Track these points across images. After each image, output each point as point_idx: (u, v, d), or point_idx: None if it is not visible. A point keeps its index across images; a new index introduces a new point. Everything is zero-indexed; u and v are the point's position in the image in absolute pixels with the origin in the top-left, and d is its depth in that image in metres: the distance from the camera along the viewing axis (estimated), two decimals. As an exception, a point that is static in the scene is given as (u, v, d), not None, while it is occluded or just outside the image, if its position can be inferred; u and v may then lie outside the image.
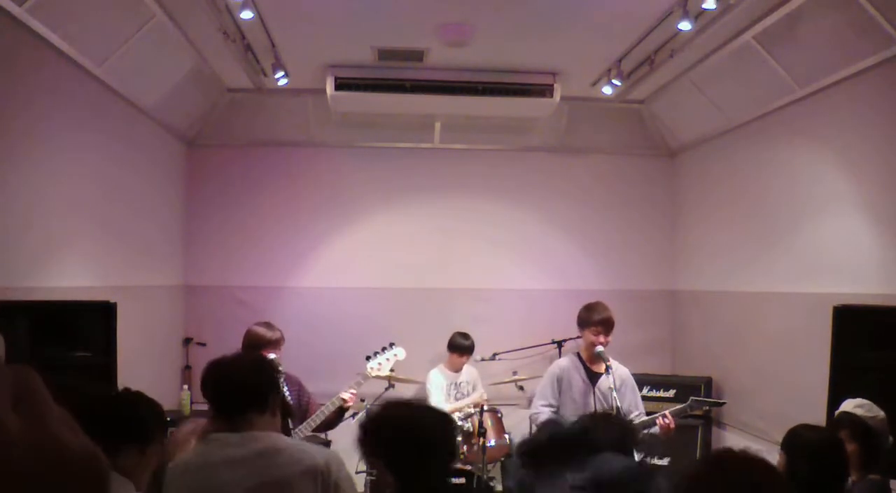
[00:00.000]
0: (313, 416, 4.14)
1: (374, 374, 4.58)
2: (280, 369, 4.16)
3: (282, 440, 2.25)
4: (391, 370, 5.46)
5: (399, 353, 4.73)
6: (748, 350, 5.17)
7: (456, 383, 5.76)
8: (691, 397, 4.18)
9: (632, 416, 3.95)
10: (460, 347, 5.74)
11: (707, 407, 5.02)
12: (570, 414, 4.13)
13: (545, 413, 4.17)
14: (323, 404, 4.22)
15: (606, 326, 4.12)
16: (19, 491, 0.60)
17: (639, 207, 6.56)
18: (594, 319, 4.13)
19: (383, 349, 4.72)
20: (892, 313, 3.41)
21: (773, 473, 1.61)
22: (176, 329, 6.00)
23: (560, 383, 4.20)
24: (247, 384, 2.26)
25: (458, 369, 5.79)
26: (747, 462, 1.60)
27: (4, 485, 0.59)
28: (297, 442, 2.34)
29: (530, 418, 4.37)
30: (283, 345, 4.20)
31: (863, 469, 2.64)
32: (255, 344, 4.09)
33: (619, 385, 3.99)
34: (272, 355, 4.12)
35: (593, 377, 4.16)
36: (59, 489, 0.62)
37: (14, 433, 0.61)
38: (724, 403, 4.78)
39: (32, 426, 0.62)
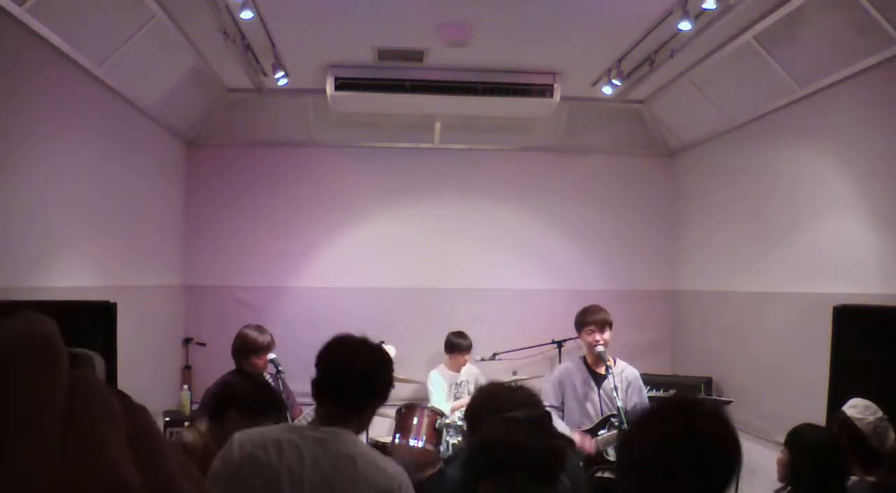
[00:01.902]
0: (295, 421, 3.92)
1: None
2: (280, 368, 4.16)
3: (359, 446, 2.08)
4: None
5: (390, 351, 4.72)
6: (748, 350, 5.17)
7: (457, 383, 5.76)
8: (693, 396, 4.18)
9: None
10: (457, 346, 5.73)
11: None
12: (576, 416, 4.16)
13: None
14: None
15: (600, 325, 4.13)
16: None
17: (639, 207, 6.56)
18: (588, 319, 4.16)
19: None
20: (892, 313, 3.40)
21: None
22: (176, 329, 6.00)
23: (563, 387, 4.23)
24: (363, 379, 2.07)
25: (458, 369, 5.79)
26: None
27: None
28: (372, 454, 2.11)
29: None
30: (273, 349, 4.14)
31: (861, 470, 2.63)
32: (246, 347, 4.03)
33: (625, 387, 4.00)
34: (272, 355, 4.11)
35: (597, 379, 4.17)
36: None
37: (132, 479, 0.51)
38: (730, 401, 4.78)
39: (150, 472, 0.52)
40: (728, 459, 1.43)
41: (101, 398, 0.55)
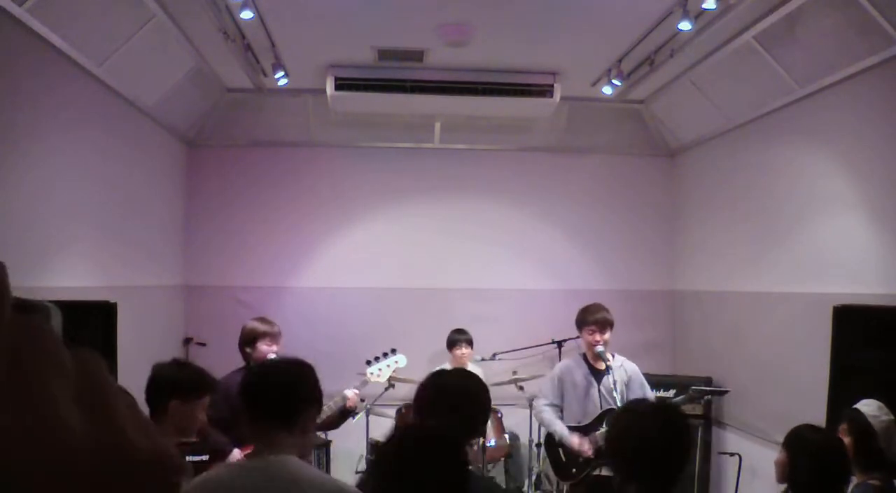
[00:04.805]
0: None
1: (372, 380, 4.60)
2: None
3: (302, 469, 1.95)
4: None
5: (400, 360, 4.74)
6: (748, 350, 5.17)
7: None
8: (691, 387, 4.23)
9: None
10: (457, 341, 5.70)
11: (709, 397, 5.04)
12: (576, 412, 4.20)
13: (547, 411, 4.34)
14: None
15: (601, 325, 4.18)
16: None
17: (639, 207, 6.56)
18: (589, 319, 4.21)
19: (384, 355, 4.72)
20: (892, 313, 3.40)
21: None
22: (176, 329, 6.00)
23: (562, 384, 4.28)
24: (273, 392, 2.00)
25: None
26: None
27: (67, 491, 0.49)
28: (317, 476, 2.01)
29: (534, 415, 4.62)
30: (280, 340, 4.14)
31: (864, 471, 2.63)
32: (253, 334, 4.06)
33: (627, 381, 4.06)
34: (272, 354, 4.12)
35: (598, 375, 4.21)
36: None
37: (77, 434, 0.50)
38: (727, 391, 4.81)
39: (97, 426, 0.52)
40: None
41: (49, 350, 0.54)
